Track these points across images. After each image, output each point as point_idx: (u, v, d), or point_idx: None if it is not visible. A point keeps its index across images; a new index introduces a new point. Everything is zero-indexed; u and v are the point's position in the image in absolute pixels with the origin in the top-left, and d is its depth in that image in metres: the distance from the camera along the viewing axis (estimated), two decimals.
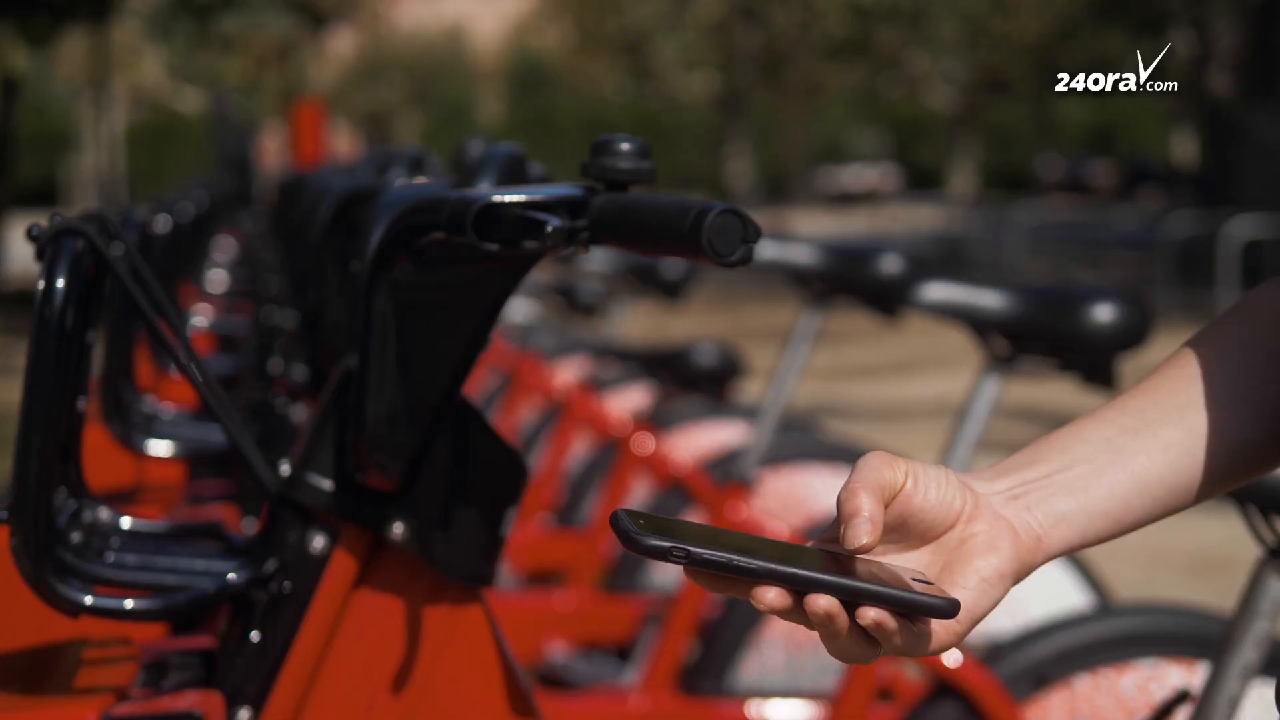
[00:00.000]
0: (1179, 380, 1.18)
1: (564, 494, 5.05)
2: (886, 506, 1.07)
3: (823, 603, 1.01)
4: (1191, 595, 5.17)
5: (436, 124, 47.59)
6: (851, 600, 1.02)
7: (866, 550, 1.04)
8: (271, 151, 18.54)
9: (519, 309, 6.30)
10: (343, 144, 34.04)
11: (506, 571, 4.58)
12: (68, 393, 1.53)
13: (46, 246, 1.50)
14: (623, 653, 4.20)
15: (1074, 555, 3.44)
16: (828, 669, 3.72)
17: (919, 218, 35.39)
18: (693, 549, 1.01)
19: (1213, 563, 6.19)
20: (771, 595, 1.02)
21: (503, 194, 1.42)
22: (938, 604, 1.02)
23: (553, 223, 1.39)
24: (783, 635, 3.72)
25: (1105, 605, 3.29)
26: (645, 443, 4.40)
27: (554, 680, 4.14)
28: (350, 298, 2.12)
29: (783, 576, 1.02)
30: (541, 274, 6.67)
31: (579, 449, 5.22)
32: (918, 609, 1.02)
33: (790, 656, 3.74)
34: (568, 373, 5.60)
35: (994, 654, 2.77)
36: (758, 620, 3.65)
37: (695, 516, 3.95)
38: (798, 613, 1.03)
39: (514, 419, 5.54)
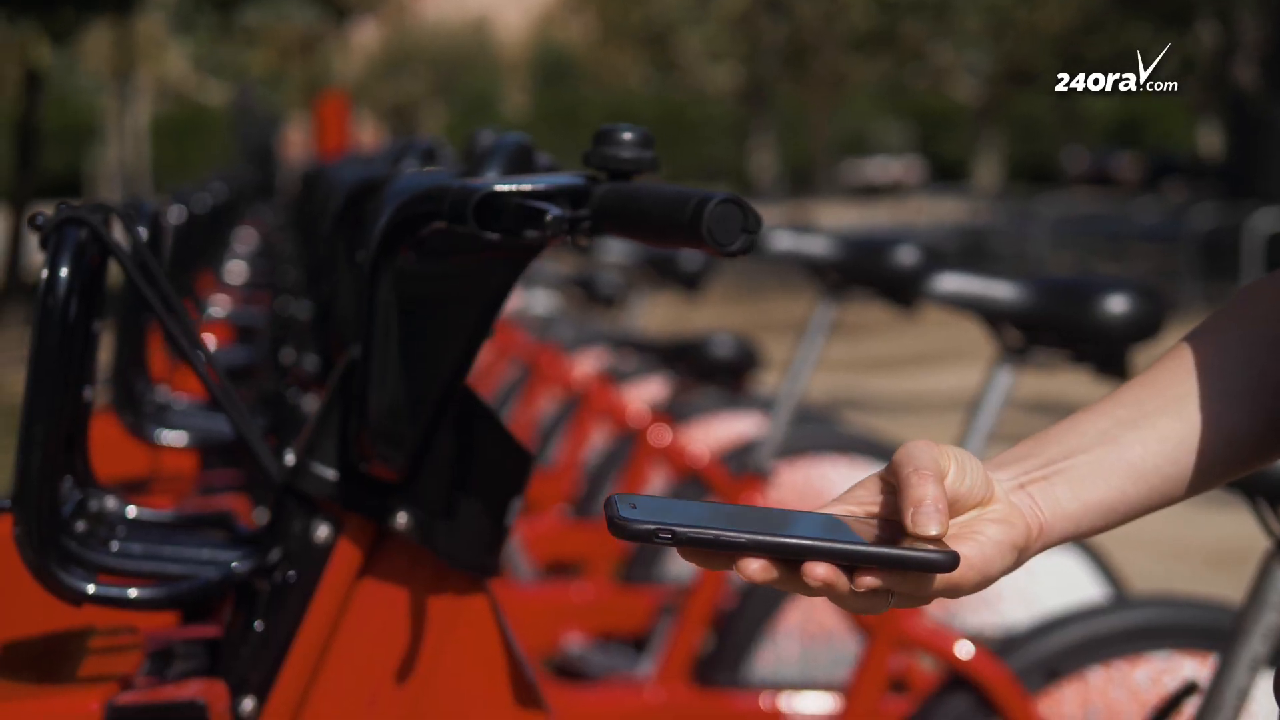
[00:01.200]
0: (1177, 372, 1.18)
1: (582, 485, 5.06)
2: None
3: (820, 571, 1.01)
4: (1208, 587, 5.15)
5: (461, 116, 47.55)
6: (849, 565, 1.02)
7: (938, 539, 1.04)
8: (296, 143, 18.58)
9: (539, 301, 6.30)
10: (367, 136, 34.07)
11: (524, 562, 4.59)
12: (72, 382, 1.53)
13: (50, 236, 1.50)
14: (638, 644, 4.21)
15: (1089, 546, 3.43)
16: (842, 660, 3.72)
17: (943, 210, 35.28)
18: (678, 528, 1.00)
19: (1230, 555, 6.16)
20: (755, 567, 1.02)
21: (504, 183, 1.42)
22: (937, 559, 1.02)
23: (553, 212, 1.38)
24: (797, 627, 3.72)
25: (1119, 597, 3.28)
26: (663, 434, 4.41)
27: (570, 671, 4.14)
28: (358, 288, 2.12)
29: (772, 547, 1.01)
30: (561, 266, 6.67)
31: (597, 440, 5.23)
32: (917, 566, 1.02)
33: (805, 648, 3.74)
34: (586, 364, 5.61)
35: (1007, 646, 2.77)
36: (773, 612, 3.65)
37: None
38: (793, 581, 1.03)
39: (533, 410, 5.55)
